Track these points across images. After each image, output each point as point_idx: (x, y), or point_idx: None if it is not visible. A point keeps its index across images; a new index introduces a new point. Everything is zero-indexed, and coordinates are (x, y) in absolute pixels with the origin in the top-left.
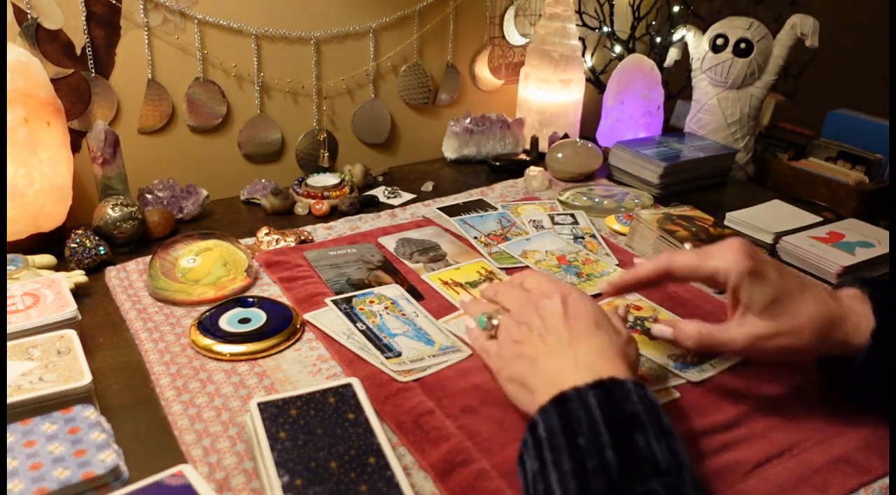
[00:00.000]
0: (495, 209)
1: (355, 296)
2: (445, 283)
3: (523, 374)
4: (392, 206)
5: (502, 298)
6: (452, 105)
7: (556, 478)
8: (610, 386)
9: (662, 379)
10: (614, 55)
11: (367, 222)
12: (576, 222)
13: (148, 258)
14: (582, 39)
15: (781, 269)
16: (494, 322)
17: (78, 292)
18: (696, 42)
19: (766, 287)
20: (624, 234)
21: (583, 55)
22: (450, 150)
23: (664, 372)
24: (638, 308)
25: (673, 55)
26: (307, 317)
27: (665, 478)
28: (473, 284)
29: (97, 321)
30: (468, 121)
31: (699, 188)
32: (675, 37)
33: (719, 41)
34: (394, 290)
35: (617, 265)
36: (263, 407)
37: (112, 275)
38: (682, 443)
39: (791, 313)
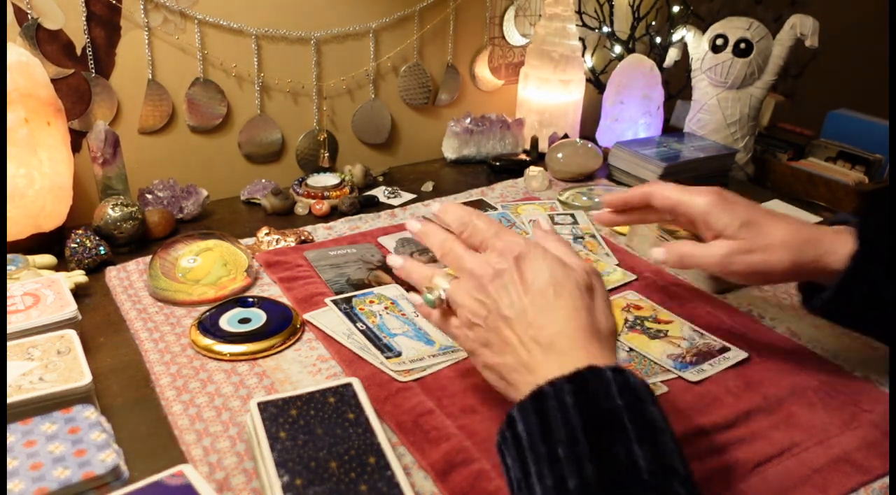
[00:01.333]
0: (495, 209)
1: (355, 295)
2: None
3: (496, 365)
4: (392, 206)
5: (449, 259)
6: (452, 105)
7: (539, 493)
8: (587, 377)
9: (650, 375)
10: (614, 55)
11: (367, 222)
12: (576, 222)
13: (148, 258)
14: (582, 39)
15: (753, 204)
16: (441, 294)
17: (78, 292)
18: (695, 42)
19: (735, 212)
20: (624, 234)
21: (583, 55)
22: (450, 150)
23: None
24: (638, 307)
25: (673, 55)
26: (307, 316)
27: (649, 492)
28: None
29: (97, 321)
30: (468, 121)
31: None
32: (675, 37)
33: (719, 41)
34: (394, 290)
35: (617, 265)
36: (263, 407)
37: (112, 275)
38: (672, 439)
39: (763, 233)
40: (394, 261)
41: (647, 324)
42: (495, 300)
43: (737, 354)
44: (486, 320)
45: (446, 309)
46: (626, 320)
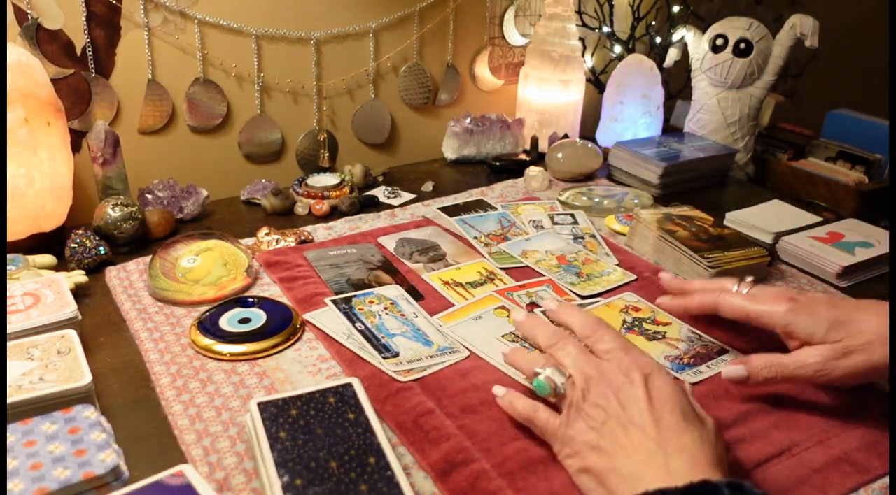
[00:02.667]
0: (495, 209)
1: (355, 296)
2: (446, 283)
3: (601, 472)
4: (392, 206)
5: (566, 359)
6: (452, 105)
7: None
8: (701, 492)
9: None
10: (614, 55)
11: (367, 222)
12: (576, 222)
13: (148, 258)
14: (582, 39)
15: (832, 302)
16: (559, 388)
17: (78, 292)
18: (695, 42)
19: (817, 315)
20: (624, 234)
21: (583, 55)
22: (450, 150)
23: None
24: (637, 309)
25: (673, 55)
26: (307, 316)
27: None
28: (474, 284)
29: (97, 321)
30: (468, 121)
31: (699, 188)
32: (675, 37)
33: (719, 41)
34: (394, 291)
35: (617, 265)
36: (263, 407)
37: (112, 275)
38: None
39: (856, 331)
40: (519, 320)
41: (645, 325)
42: (624, 407)
43: (735, 357)
44: (604, 425)
45: (550, 404)
46: (625, 321)
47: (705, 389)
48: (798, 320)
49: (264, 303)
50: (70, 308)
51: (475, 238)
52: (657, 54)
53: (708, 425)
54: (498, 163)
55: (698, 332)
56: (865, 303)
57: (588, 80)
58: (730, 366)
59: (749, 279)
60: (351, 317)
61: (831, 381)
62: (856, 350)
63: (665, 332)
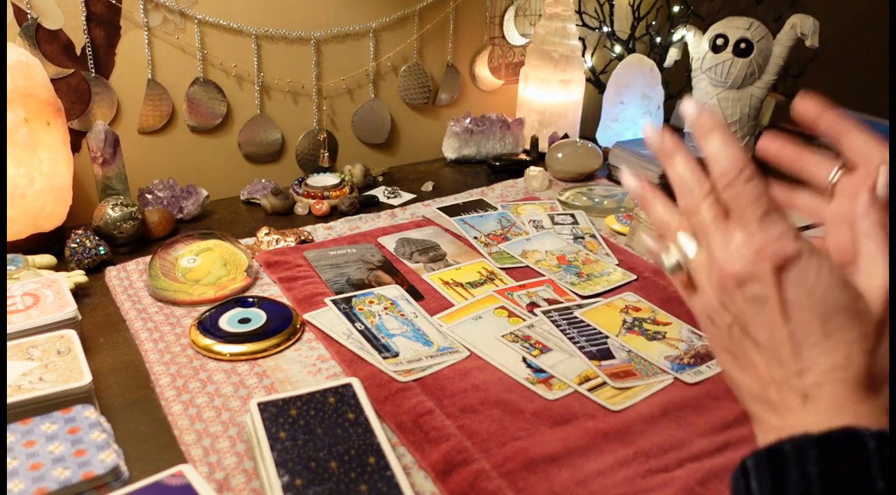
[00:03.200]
0: (495, 209)
1: (355, 296)
2: (446, 283)
3: (737, 379)
4: (392, 206)
5: (695, 223)
6: (452, 105)
7: None
8: (843, 444)
9: (648, 376)
10: (614, 55)
11: (367, 222)
12: (576, 222)
13: (148, 258)
14: (582, 39)
15: None
16: (680, 261)
17: (78, 292)
18: (696, 42)
19: None
20: (624, 234)
21: (583, 55)
22: (450, 150)
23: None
24: (637, 309)
25: (673, 55)
26: (307, 317)
27: None
28: (474, 284)
29: (97, 321)
30: (468, 121)
31: None
32: (675, 37)
33: (719, 41)
34: (394, 291)
35: (617, 265)
36: (263, 407)
37: (112, 275)
38: None
39: None
40: (629, 182)
41: (645, 325)
42: (743, 313)
43: None
44: (729, 329)
45: (687, 280)
46: (625, 321)
47: (705, 389)
48: None
49: (264, 303)
50: (70, 308)
51: (475, 238)
52: (657, 54)
53: (867, 318)
54: (498, 163)
55: (699, 332)
56: None
57: (588, 80)
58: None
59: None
60: (351, 317)
61: None
62: None
63: (665, 332)
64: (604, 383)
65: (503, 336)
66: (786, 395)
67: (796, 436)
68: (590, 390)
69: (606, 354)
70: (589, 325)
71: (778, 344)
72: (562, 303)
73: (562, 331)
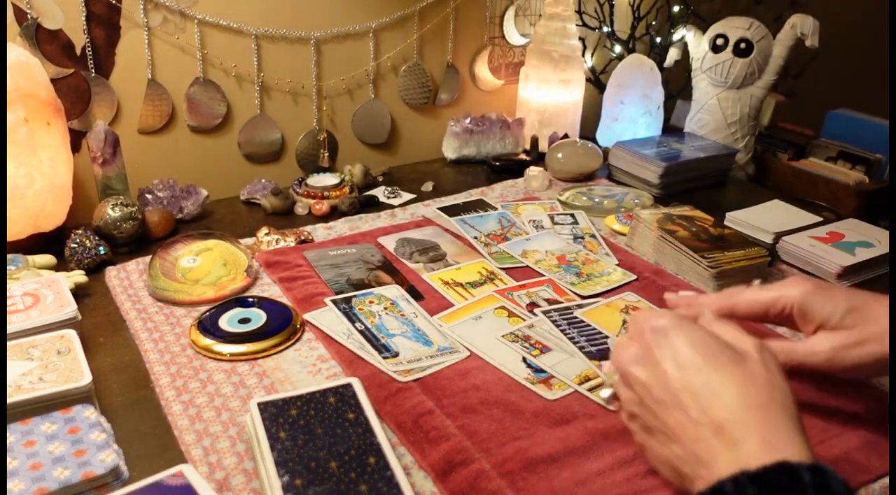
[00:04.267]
0: (495, 209)
1: (355, 296)
2: (446, 283)
3: (666, 457)
4: (392, 206)
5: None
6: (452, 105)
7: None
8: (778, 480)
9: None
10: (614, 55)
11: (367, 222)
12: (576, 222)
13: (148, 258)
14: (582, 39)
15: (851, 289)
16: (609, 391)
17: (78, 292)
18: (696, 42)
19: (836, 298)
20: (624, 234)
21: (583, 55)
22: (450, 150)
23: None
24: (637, 308)
25: (673, 55)
26: (307, 317)
27: None
28: (474, 284)
29: (97, 321)
30: (468, 121)
31: (699, 188)
32: (675, 37)
33: (719, 41)
34: (394, 291)
35: (617, 265)
36: (263, 407)
37: (112, 275)
38: None
39: (873, 319)
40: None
41: None
42: (643, 384)
43: None
44: (640, 407)
45: (619, 405)
46: (625, 321)
47: None
48: (815, 300)
49: (264, 303)
50: (70, 308)
51: (475, 238)
52: (657, 54)
53: (745, 345)
54: (498, 163)
55: None
56: (882, 295)
57: (588, 80)
58: None
59: (757, 282)
60: (351, 317)
61: (843, 371)
62: (871, 339)
63: None
64: (603, 383)
65: (503, 336)
66: (703, 437)
67: (735, 474)
68: (590, 390)
69: (606, 354)
70: (589, 325)
71: (678, 392)
72: (562, 303)
73: (562, 330)
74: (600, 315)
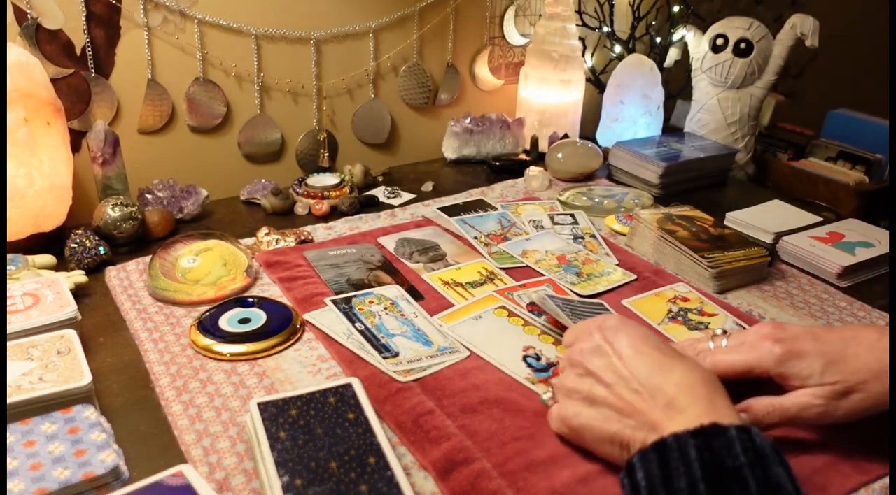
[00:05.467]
0: (495, 209)
1: (355, 296)
2: (446, 283)
3: (617, 431)
4: (392, 206)
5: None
6: (452, 105)
7: None
8: (711, 433)
9: None
10: (614, 55)
11: (367, 222)
12: (576, 222)
13: (148, 258)
14: (582, 39)
15: (815, 335)
16: (549, 393)
17: (78, 292)
18: (696, 42)
19: (810, 357)
20: (624, 234)
21: (583, 55)
22: (450, 150)
23: None
24: (686, 299)
25: (673, 55)
26: (307, 317)
27: None
28: (474, 284)
29: (97, 321)
30: (468, 121)
31: (699, 188)
32: (675, 37)
33: (719, 41)
34: (394, 291)
35: (617, 265)
36: (263, 407)
37: (112, 275)
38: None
39: (851, 371)
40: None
41: (690, 315)
42: (597, 371)
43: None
44: (592, 390)
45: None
46: (670, 311)
47: None
48: (791, 366)
49: (264, 303)
50: (70, 308)
51: (475, 238)
52: (657, 54)
53: (688, 357)
54: (498, 163)
55: (744, 324)
56: (850, 332)
57: (588, 80)
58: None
59: (718, 331)
60: (351, 317)
61: (835, 421)
62: (854, 389)
63: (709, 323)
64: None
65: (503, 336)
66: (655, 410)
67: (676, 433)
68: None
69: None
70: (594, 309)
71: (629, 378)
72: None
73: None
74: (648, 303)
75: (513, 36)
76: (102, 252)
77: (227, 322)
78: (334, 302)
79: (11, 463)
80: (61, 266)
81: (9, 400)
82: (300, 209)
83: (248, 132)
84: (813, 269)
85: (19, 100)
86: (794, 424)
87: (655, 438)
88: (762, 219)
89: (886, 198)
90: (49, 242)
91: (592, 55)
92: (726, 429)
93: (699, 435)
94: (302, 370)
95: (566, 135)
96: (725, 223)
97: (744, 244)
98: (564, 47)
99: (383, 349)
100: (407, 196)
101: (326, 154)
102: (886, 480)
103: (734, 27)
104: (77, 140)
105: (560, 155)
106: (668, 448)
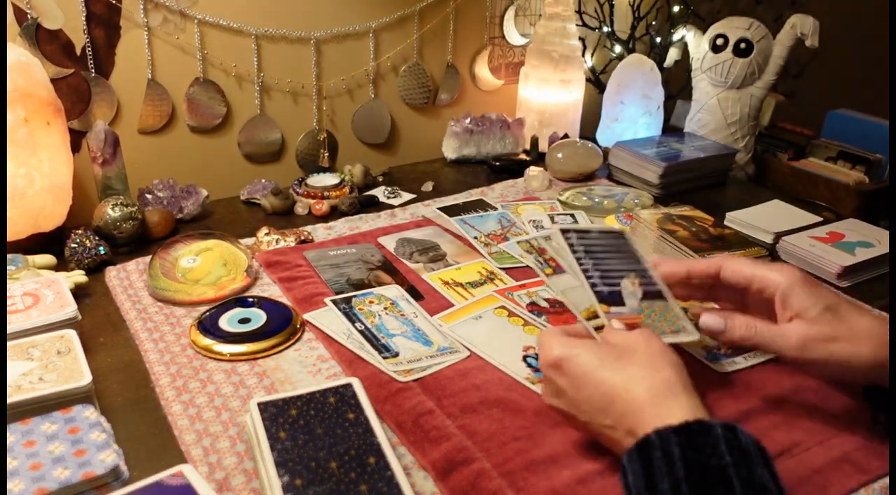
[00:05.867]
0: (495, 209)
1: (355, 296)
2: (446, 283)
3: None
4: (392, 206)
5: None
6: (452, 105)
7: None
8: (695, 430)
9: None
10: (614, 55)
11: (367, 222)
12: (575, 222)
13: (148, 258)
14: (582, 39)
15: (835, 291)
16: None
17: (78, 292)
18: (696, 42)
19: (818, 295)
20: None
21: (583, 55)
22: (450, 150)
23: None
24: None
25: (673, 55)
26: (307, 317)
27: None
28: (474, 284)
29: (97, 321)
30: (468, 121)
31: (699, 188)
32: (675, 37)
33: (719, 41)
34: (394, 291)
35: None
36: (263, 407)
37: (112, 275)
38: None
39: (848, 321)
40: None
41: (688, 315)
42: (567, 412)
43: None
44: (568, 410)
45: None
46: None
47: (708, 388)
48: (797, 290)
49: (264, 303)
50: (70, 308)
51: (475, 238)
52: (657, 54)
53: (639, 351)
54: (498, 163)
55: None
56: (862, 307)
57: (588, 80)
58: (709, 316)
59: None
60: (351, 317)
61: (808, 363)
62: (842, 338)
63: None
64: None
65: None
66: (640, 418)
67: (659, 428)
68: (596, 329)
69: (619, 299)
70: (606, 258)
71: (588, 410)
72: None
73: (577, 258)
74: None
75: (513, 36)
76: (102, 252)
77: (227, 322)
78: (334, 302)
79: (11, 463)
80: (61, 266)
81: (9, 400)
82: (300, 209)
83: (248, 132)
84: (813, 269)
85: (19, 100)
86: (767, 352)
87: (634, 439)
88: (762, 219)
89: (886, 198)
90: (49, 242)
91: (592, 55)
92: (711, 426)
93: (682, 431)
94: (302, 370)
95: (566, 135)
96: (725, 223)
97: (744, 244)
98: (564, 47)
99: (383, 349)
100: (407, 196)
101: (326, 154)
102: (886, 480)
103: (734, 27)
104: (77, 140)
105: (560, 155)
106: (652, 446)
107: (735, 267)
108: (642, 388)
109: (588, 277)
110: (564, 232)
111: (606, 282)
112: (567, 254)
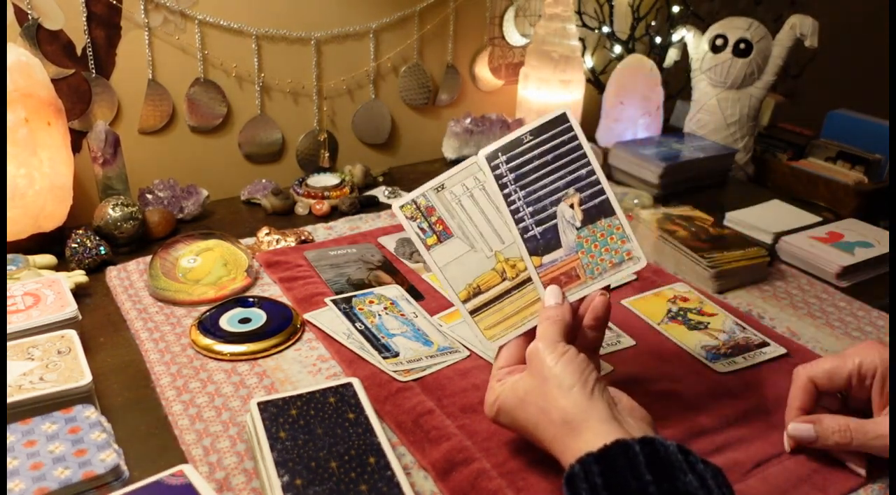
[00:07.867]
0: None
1: (355, 296)
2: None
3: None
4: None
5: None
6: (452, 105)
7: None
8: (615, 453)
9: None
10: (614, 55)
11: (367, 222)
12: None
13: (148, 258)
14: (582, 40)
15: None
16: None
17: (78, 292)
18: (695, 42)
19: None
20: None
21: (583, 55)
22: (450, 151)
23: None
24: (685, 299)
25: (673, 55)
26: (307, 316)
27: None
28: None
29: (97, 321)
30: (468, 121)
31: (699, 188)
32: (675, 37)
33: (719, 41)
34: (394, 291)
35: None
36: (263, 406)
37: (112, 274)
38: None
39: None
40: None
41: (689, 315)
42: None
43: (776, 350)
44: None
45: None
46: (669, 311)
47: (708, 388)
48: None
49: (264, 303)
50: (70, 308)
51: None
52: (657, 54)
53: (550, 378)
54: None
55: (743, 324)
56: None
57: (588, 80)
58: (798, 423)
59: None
60: (351, 316)
61: None
62: None
63: (708, 323)
64: (494, 299)
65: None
66: (564, 443)
67: (581, 457)
68: (473, 311)
69: (551, 242)
70: (546, 174)
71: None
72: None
73: (505, 194)
74: (647, 304)
75: (513, 36)
76: (103, 252)
77: (228, 322)
78: (334, 302)
79: (12, 463)
80: (62, 266)
81: (9, 400)
82: (300, 209)
83: (249, 132)
84: (812, 269)
85: (20, 100)
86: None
87: (572, 452)
88: (762, 219)
89: (886, 199)
90: (49, 242)
91: (592, 55)
92: (629, 445)
93: (602, 459)
94: (302, 370)
95: None
96: (725, 223)
97: (743, 244)
98: (564, 48)
99: (383, 349)
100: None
101: (327, 154)
102: (886, 480)
103: (734, 27)
104: (77, 140)
105: None
106: (577, 478)
107: (820, 368)
108: (548, 434)
109: (519, 220)
110: (491, 159)
111: (539, 216)
112: (497, 196)
